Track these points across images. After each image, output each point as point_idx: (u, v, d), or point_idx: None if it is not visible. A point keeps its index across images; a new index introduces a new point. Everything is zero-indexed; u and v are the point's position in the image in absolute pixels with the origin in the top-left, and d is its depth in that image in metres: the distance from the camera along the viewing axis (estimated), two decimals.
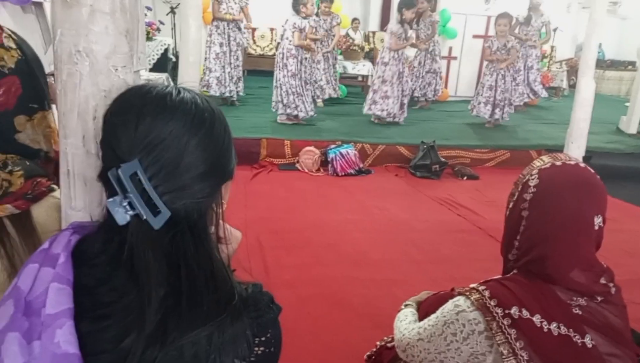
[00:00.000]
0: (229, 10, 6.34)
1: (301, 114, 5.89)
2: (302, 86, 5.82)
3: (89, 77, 0.86)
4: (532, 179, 1.08)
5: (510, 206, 1.15)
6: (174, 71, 7.04)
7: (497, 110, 6.49)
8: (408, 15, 6.05)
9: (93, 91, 0.87)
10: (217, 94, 6.44)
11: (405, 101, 6.37)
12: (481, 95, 6.54)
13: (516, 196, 1.13)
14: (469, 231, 3.77)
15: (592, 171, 1.08)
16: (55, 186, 1.03)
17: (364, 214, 4.03)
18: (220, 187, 0.80)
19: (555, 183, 1.05)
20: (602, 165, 5.12)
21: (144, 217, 0.68)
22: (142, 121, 0.72)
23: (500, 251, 1.21)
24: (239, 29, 6.53)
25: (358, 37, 10.31)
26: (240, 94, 6.85)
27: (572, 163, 1.08)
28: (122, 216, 0.69)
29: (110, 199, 0.69)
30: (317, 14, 7.05)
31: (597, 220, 1.03)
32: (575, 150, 4.74)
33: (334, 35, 7.26)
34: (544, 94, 8.14)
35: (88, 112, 0.87)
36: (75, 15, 0.84)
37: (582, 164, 1.08)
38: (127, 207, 0.69)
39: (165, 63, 7.07)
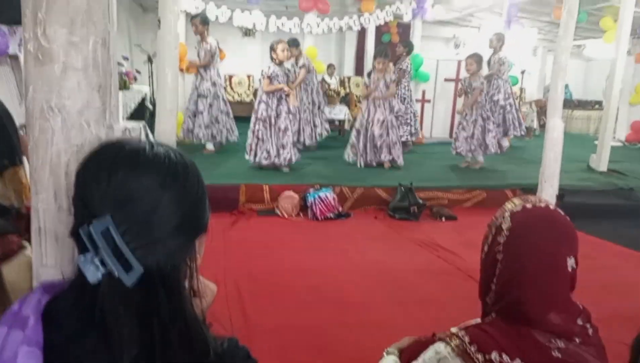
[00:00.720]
0: (197, 58, 6.53)
1: (264, 162, 5.89)
2: (270, 132, 5.84)
3: (61, 132, 0.86)
4: (505, 222, 1.10)
5: (485, 249, 1.16)
6: (151, 119, 7.06)
7: (472, 148, 6.66)
8: (377, 65, 6.31)
9: (65, 147, 0.86)
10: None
11: (381, 144, 6.44)
12: (458, 135, 6.72)
13: (490, 240, 1.14)
14: (449, 273, 3.77)
15: (562, 213, 1.10)
16: (26, 243, 1.01)
17: (346, 258, 4.01)
18: (194, 241, 0.80)
19: (527, 226, 1.07)
20: (575, 203, 5.24)
21: (116, 274, 0.67)
22: (115, 176, 0.71)
23: (478, 294, 1.21)
24: (201, 77, 6.63)
25: (334, 82, 10.54)
26: (216, 139, 6.92)
27: (543, 205, 1.10)
28: (93, 274, 0.67)
29: (82, 257, 0.68)
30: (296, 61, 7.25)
31: (570, 262, 1.05)
32: (549, 189, 4.83)
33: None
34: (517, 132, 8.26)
35: (60, 168, 0.87)
36: (47, 72, 0.84)
37: (552, 206, 1.10)
38: (99, 264, 0.68)
39: (143, 111, 7.09)
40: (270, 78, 5.75)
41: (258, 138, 5.84)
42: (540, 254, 1.04)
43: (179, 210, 0.74)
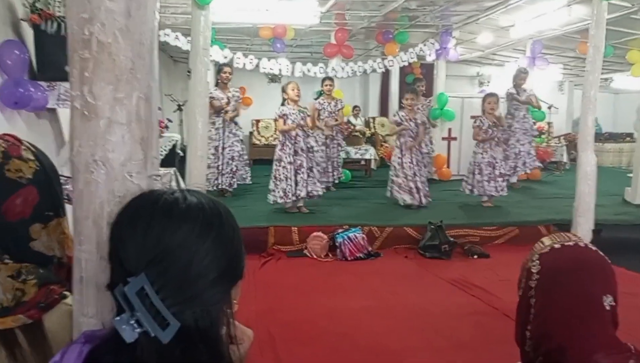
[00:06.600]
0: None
1: (288, 203, 5.85)
2: (291, 171, 5.74)
3: (105, 184, 0.88)
4: (534, 266, 1.06)
5: (520, 293, 1.12)
6: (181, 165, 7.22)
7: (499, 185, 6.46)
8: (406, 102, 6.34)
9: (108, 198, 0.89)
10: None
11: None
12: (480, 174, 6.45)
13: (523, 283, 1.10)
14: (485, 313, 3.67)
15: (594, 249, 1.05)
16: (67, 293, 1.03)
17: (377, 300, 3.94)
18: (231, 289, 0.80)
19: (556, 269, 1.03)
20: (613, 238, 5.09)
21: (153, 334, 0.67)
22: (150, 231, 0.72)
23: (514, 338, 1.16)
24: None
25: (359, 123, 10.64)
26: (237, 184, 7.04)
27: (572, 243, 1.06)
28: (129, 334, 0.68)
29: (117, 318, 0.69)
30: (320, 94, 7.40)
31: (607, 300, 1.00)
32: (584, 224, 4.71)
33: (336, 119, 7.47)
34: (532, 166, 8.11)
35: (103, 219, 0.89)
36: (93, 127, 0.88)
37: (582, 244, 1.06)
38: (135, 325, 0.68)
39: (174, 158, 7.25)
40: (283, 117, 5.71)
41: (280, 179, 5.78)
42: (573, 295, 1.00)
43: (216, 261, 0.74)
